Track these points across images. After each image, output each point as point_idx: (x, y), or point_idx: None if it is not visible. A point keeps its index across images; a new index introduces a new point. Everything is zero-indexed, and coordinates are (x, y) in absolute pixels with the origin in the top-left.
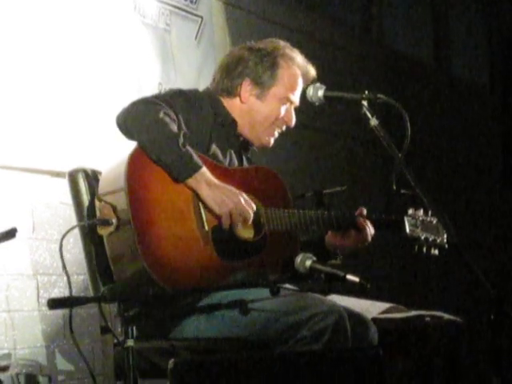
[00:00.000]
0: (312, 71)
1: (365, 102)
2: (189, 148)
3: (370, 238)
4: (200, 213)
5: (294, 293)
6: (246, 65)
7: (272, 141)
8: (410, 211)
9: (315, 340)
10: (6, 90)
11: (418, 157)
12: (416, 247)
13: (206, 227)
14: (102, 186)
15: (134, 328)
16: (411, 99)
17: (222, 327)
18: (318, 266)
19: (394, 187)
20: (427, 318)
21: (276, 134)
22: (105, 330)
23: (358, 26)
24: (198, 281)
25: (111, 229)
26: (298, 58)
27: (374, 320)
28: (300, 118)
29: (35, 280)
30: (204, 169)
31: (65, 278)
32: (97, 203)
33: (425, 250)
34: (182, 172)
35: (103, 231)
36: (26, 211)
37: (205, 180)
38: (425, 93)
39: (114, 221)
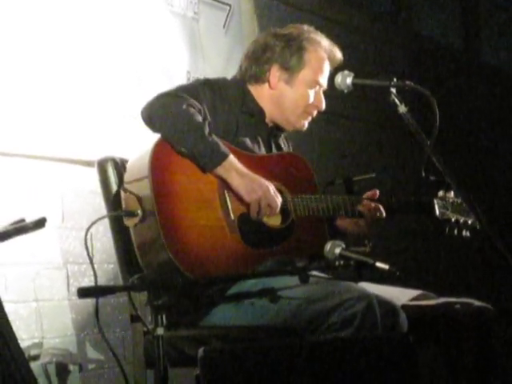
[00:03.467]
0: (338, 53)
1: (393, 89)
2: (214, 137)
3: (368, 226)
4: (226, 202)
5: (323, 280)
6: (272, 51)
7: (306, 124)
8: (440, 193)
9: (345, 326)
10: (33, 78)
11: (446, 143)
12: (447, 229)
13: (232, 216)
14: (128, 176)
15: (164, 316)
16: (440, 85)
17: (251, 315)
18: (348, 254)
19: (423, 174)
20: (457, 305)
21: (309, 118)
22: (135, 318)
23: (386, 12)
24: (225, 270)
25: (136, 220)
26: (324, 40)
27: (404, 307)
28: (329, 105)
29: (65, 269)
30: (231, 156)
31: (95, 267)
32: (122, 194)
33: (456, 232)
34: (209, 161)
35: (129, 222)
36: (55, 200)
37: (234, 168)
38: (454, 79)
39: (140, 212)
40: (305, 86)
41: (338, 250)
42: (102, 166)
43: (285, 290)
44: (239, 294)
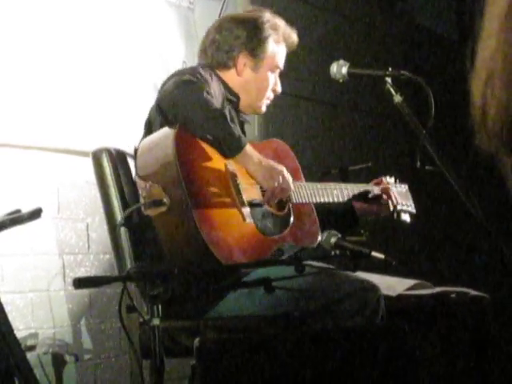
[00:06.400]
0: (295, 37)
1: (388, 79)
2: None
3: (388, 209)
4: (238, 188)
5: (329, 270)
6: (238, 38)
7: (265, 108)
8: (385, 180)
9: (357, 313)
10: (29, 69)
11: (442, 133)
12: (395, 214)
13: (246, 203)
14: (146, 167)
15: (160, 307)
16: (435, 75)
17: (265, 304)
18: (343, 243)
19: (419, 164)
20: (453, 295)
21: (268, 102)
22: (131, 309)
23: (381, 1)
24: (249, 257)
25: (163, 209)
26: (282, 24)
27: (400, 296)
28: (324, 95)
29: (61, 259)
30: (249, 144)
31: (91, 257)
32: (141, 183)
33: (401, 216)
34: (233, 147)
35: (151, 212)
36: (51, 191)
37: (253, 154)
38: (449, 68)
39: (166, 200)
40: (267, 71)
41: (333, 240)
42: (96, 157)
43: (296, 279)
44: (244, 282)
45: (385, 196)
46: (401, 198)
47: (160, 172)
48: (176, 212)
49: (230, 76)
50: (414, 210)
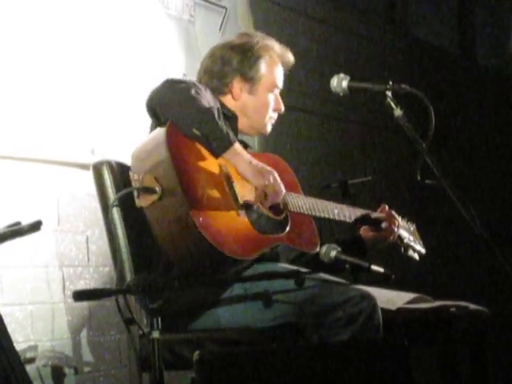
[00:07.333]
0: (290, 57)
1: (389, 93)
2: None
3: (393, 233)
4: (232, 187)
5: (327, 280)
6: (231, 64)
7: (270, 128)
8: (395, 215)
9: (350, 323)
10: (29, 81)
11: (443, 147)
12: (402, 249)
13: (240, 201)
14: (139, 164)
15: (159, 320)
16: (436, 89)
17: (258, 314)
18: (343, 257)
19: (419, 178)
20: (452, 309)
21: (273, 122)
22: (130, 321)
23: (382, 16)
24: (241, 246)
25: (155, 197)
26: (276, 45)
27: (400, 310)
28: (325, 109)
29: (61, 272)
30: (237, 143)
31: (91, 270)
32: (134, 176)
33: (409, 252)
34: (220, 144)
35: (144, 201)
36: (51, 203)
37: (243, 153)
38: (450, 82)
39: (158, 189)
40: (265, 92)
41: (333, 253)
42: (97, 170)
43: (289, 287)
44: (242, 296)
45: (388, 221)
46: (408, 233)
47: (153, 165)
48: (166, 201)
49: (227, 100)
50: (423, 250)
